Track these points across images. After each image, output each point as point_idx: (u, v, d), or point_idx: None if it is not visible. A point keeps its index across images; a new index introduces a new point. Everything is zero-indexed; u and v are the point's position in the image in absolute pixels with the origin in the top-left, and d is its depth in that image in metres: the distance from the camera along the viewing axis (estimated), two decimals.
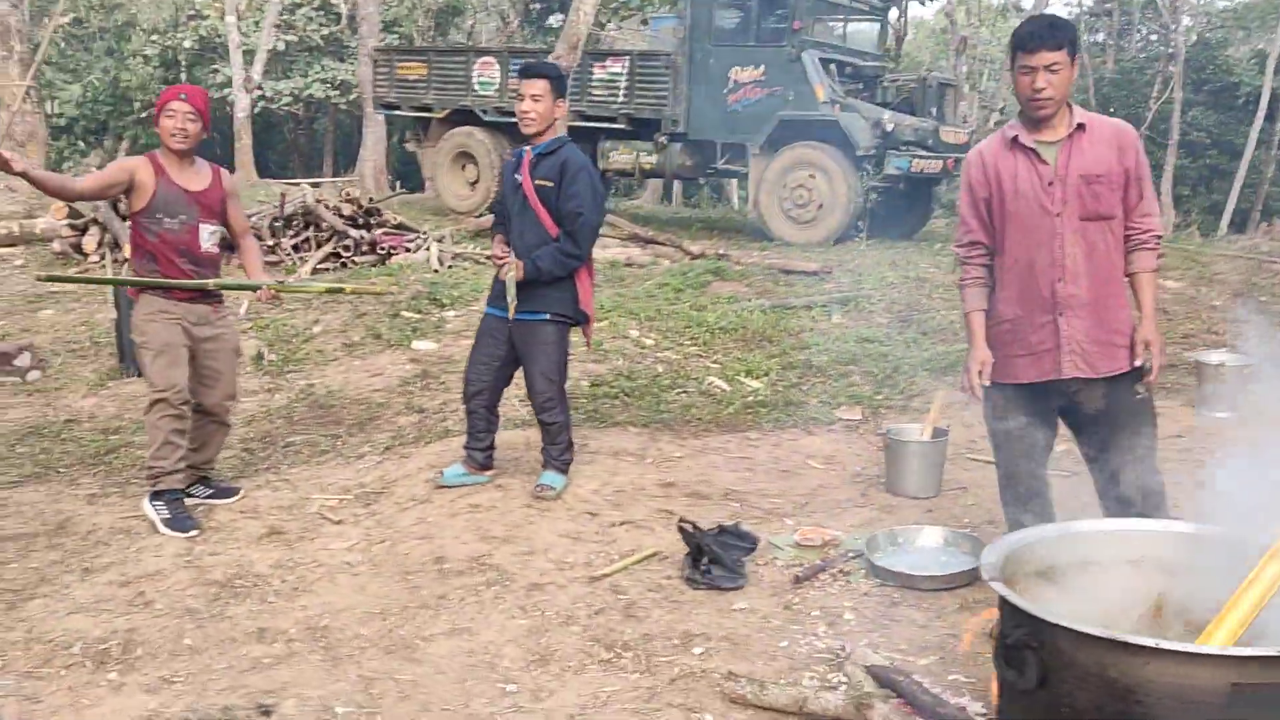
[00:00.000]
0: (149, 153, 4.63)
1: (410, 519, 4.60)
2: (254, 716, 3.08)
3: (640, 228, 11.00)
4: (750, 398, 6.46)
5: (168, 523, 4.45)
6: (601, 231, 10.80)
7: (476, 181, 14.52)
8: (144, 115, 27.23)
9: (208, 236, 4.61)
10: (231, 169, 23.15)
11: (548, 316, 4.69)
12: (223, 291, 4.75)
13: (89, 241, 9.31)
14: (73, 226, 9.59)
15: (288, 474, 5.31)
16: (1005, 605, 2.34)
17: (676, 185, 23.19)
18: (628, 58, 13.51)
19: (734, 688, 3.16)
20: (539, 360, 4.74)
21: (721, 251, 10.16)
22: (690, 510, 4.73)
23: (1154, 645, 2.04)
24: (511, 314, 4.63)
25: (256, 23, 24.62)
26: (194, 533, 4.43)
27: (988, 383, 3.62)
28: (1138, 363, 3.48)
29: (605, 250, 10.36)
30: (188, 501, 4.75)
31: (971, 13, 22.03)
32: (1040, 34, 3.39)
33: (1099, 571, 2.76)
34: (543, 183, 4.64)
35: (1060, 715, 2.23)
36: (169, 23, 27.32)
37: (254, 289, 4.76)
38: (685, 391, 6.56)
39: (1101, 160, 3.46)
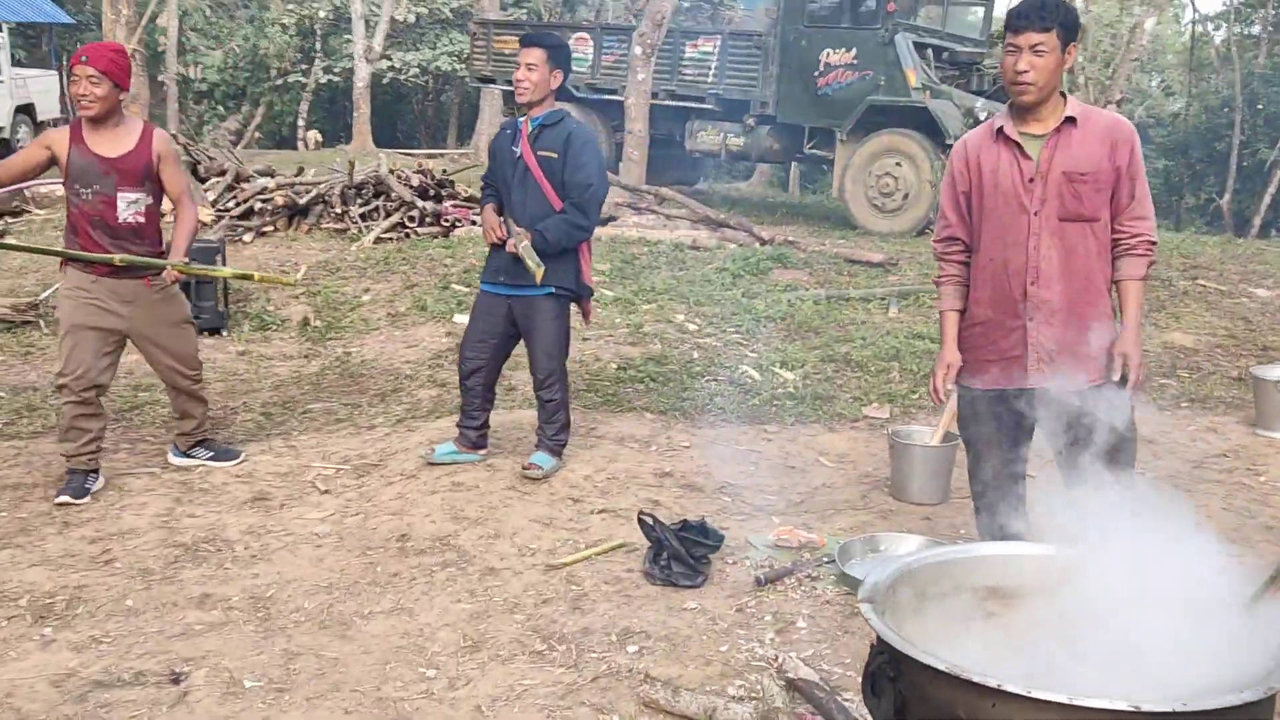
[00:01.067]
0: (73, 121, 4.40)
1: (391, 494, 4.57)
2: (163, 683, 3.08)
3: (712, 210, 10.79)
4: (780, 389, 6.25)
5: (65, 488, 4.42)
6: (672, 212, 10.79)
7: None
8: (279, 82, 28.18)
9: (126, 206, 4.33)
10: (350, 138, 23.85)
11: (551, 290, 4.59)
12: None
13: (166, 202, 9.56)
14: None
15: (296, 440, 5.35)
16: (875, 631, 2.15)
17: (794, 170, 22.76)
18: (718, 37, 13.31)
19: (648, 691, 3.03)
20: (541, 336, 4.65)
21: (789, 238, 9.91)
22: (679, 501, 4.60)
23: (997, 686, 1.84)
24: (539, 278, 4.46)
25: None
26: (85, 499, 4.39)
27: (952, 386, 3.39)
28: (1114, 377, 3.20)
29: (673, 232, 10.22)
30: (188, 463, 4.84)
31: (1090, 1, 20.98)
32: (1028, 13, 3.14)
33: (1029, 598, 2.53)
34: (546, 154, 4.53)
35: None
36: None
37: (158, 269, 4.39)
38: (715, 380, 6.39)
39: (1090, 157, 3.19)
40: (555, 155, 4.51)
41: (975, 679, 1.85)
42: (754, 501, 4.68)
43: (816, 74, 12.51)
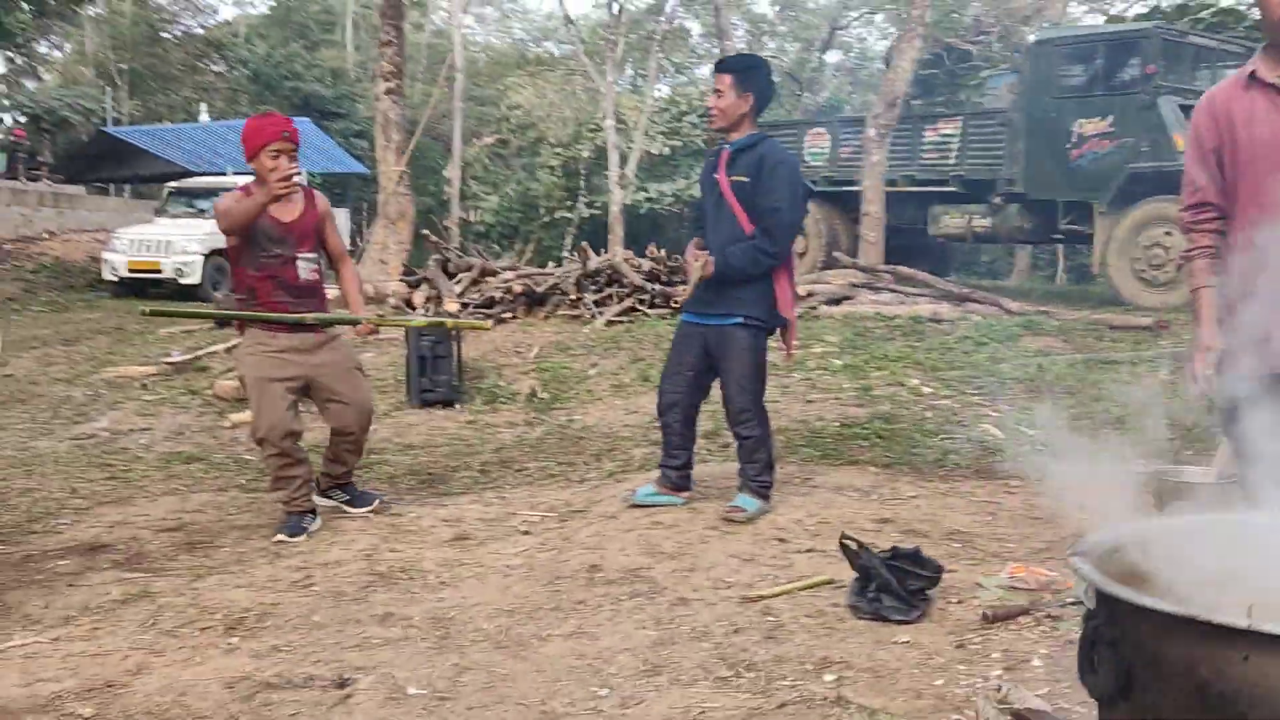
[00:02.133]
0: (244, 185, 4.54)
1: (589, 532, 4.37)
2: (330, 687, 2.96)
3: (955, 285, 10.24)
4: (1025, 446, 5.65)
5: (281, 528, 4.53)
6: (911, 290, 10.32)
7: (804, 252, 14.30)
8: (547, 220, 29.94)
9: (304, 266, 4.50)
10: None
11: (740, 320, 4.34)
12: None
13: (418, 296, 10.08)
14: (407, 284, 10.45)
15: (508, 493, 5.28)
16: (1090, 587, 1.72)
17: (1061, 259, 21.57)
18: (960, 118, 12.90)
19: (841, 715, 2.62)
20: (733, 368, 4.39)
21: (1042, 308, 9.21)
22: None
23: (1253, 628, 1.37)
24: (682, 301, 4.43)
25: (646, 131, 26.46)
26: (302, 536, 4.46)
27: (1211, 371, 2.85)
28: None
29: (915, 306, 9.75)
30: (326, 503, 4.86)
31: None
32: None
33: None
34: (739, 178, 4.35)
35: None
36: (571, 136, 30.03)
37: (353, 323, 4.58)
38: (949, 437, 5.87)
39: None
40: (747, 179, 4.32)
41: (1225, 623, 1.39)
42: (987, 548, 4.15)
43: (1069, 146, 11.84)
